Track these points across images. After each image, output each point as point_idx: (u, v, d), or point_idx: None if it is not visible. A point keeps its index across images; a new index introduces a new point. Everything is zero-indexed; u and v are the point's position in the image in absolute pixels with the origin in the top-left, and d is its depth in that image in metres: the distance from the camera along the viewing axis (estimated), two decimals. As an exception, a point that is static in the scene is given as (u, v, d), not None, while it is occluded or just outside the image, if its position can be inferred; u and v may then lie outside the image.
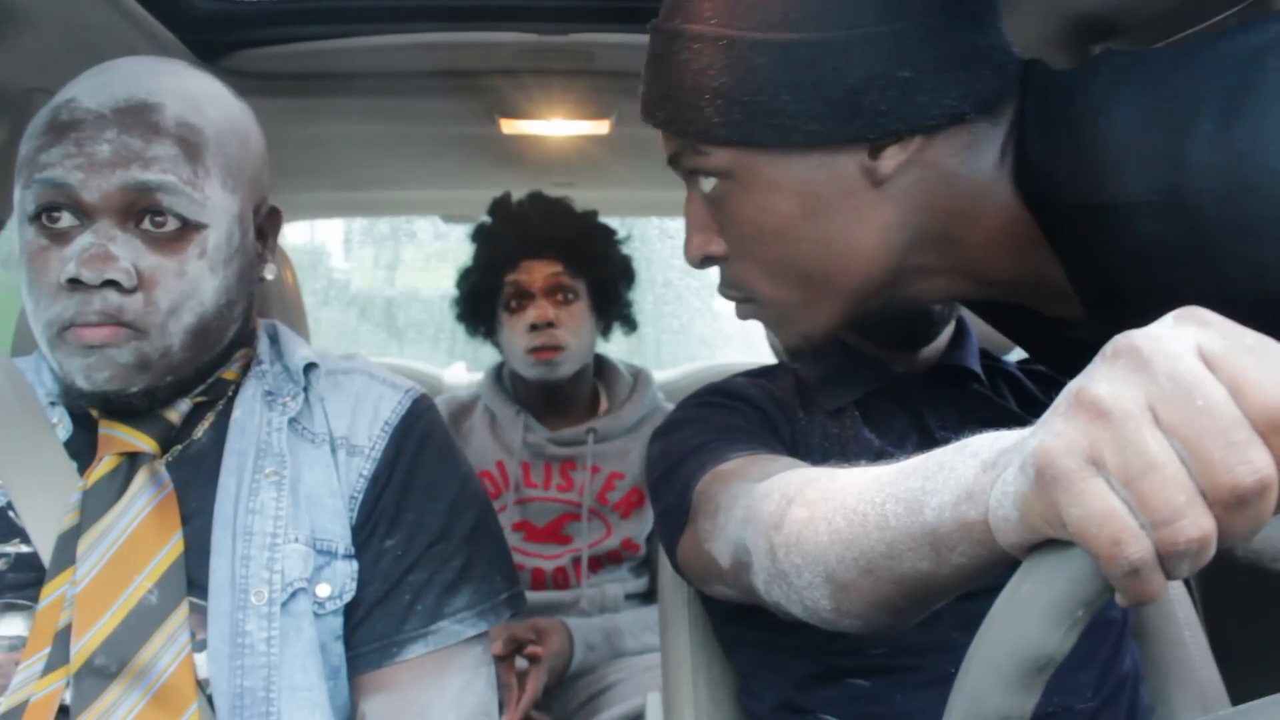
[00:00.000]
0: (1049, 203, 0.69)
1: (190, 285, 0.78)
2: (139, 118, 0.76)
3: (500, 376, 1.77)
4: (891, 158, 0.70)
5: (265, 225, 0.89)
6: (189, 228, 0.77)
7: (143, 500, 0.78)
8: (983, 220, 0.72)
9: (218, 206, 0.79)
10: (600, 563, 1.67)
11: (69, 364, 0.76)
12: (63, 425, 0.83)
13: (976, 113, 0.70)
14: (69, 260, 0.74)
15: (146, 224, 0.76)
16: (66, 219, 0.75)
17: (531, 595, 1.60)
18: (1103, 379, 0.38)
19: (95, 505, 0.77)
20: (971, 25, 0.70)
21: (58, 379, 0.81)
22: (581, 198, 1.76)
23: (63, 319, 0.75)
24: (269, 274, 0.89)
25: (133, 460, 0.80)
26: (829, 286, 0.75)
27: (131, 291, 0.75)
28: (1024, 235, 0.72)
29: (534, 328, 1.60)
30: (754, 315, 0.80)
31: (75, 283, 0.74)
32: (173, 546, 0.77)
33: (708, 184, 0.74)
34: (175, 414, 0.83)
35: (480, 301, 1.69)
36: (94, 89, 0.77)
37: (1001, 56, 0.71)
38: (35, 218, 0.76)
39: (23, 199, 0.76)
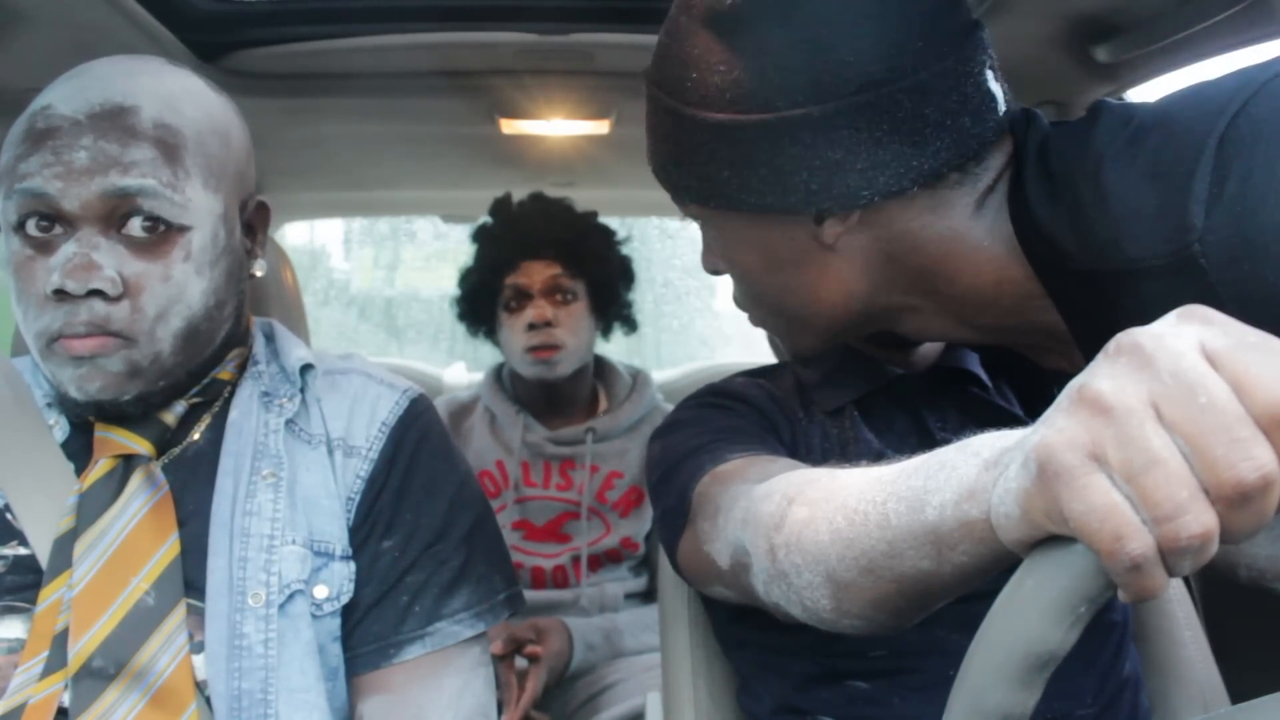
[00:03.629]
0: (1055, 267, 0.68)
1: (176, 289, 0.77)
2: (115, 122, 0.75)
3: (500, 376, 1.77)
4: (831, 229, 0.72)
5: (254, 221, 0.88)
6: (172, 231, 0.77)
7: (138, 502, 0.78)
8: (964, 273, 0.72)
9: (200, 207, 0.78)
10: (599, 561, 1.67)
11: (60, 374, 0.76)
12: (60, 426, 0.83)
13: (920, 186, 0.69)
14: (53, 270, 0.73)
15: (128, 229, 0.75)
16: (49, 228, 0.75)
17: (531, 594, 1.60)
18: (1105, 375, 0.38)
19: (91, 508, 0.77)
20: (918, 98, 0.67)
21: (53, 387, 0.80)
22: (581, 198, 1.76)
23: (51, 330, 0.74)
24: (259, 270, 0.88)
25: (128, 462, 0.80)
26: (802, 323, 0.81)
27: (117, 300, 0.75)
28: (1020, 289, 0.72)
29: (532, 327, 1.60)
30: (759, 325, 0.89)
31: (61, 293, 0.73)
32: (169, 548, 0.77)
33: (696, 221, 0.82)
34: (171, 416, 0.83)
35: (480, 302, 1.70)
36: (69, 94, 0.76)
37: (964, 121, 0.69)
38: (18, 227, 0.75)
39: (4, 209, 0.76)
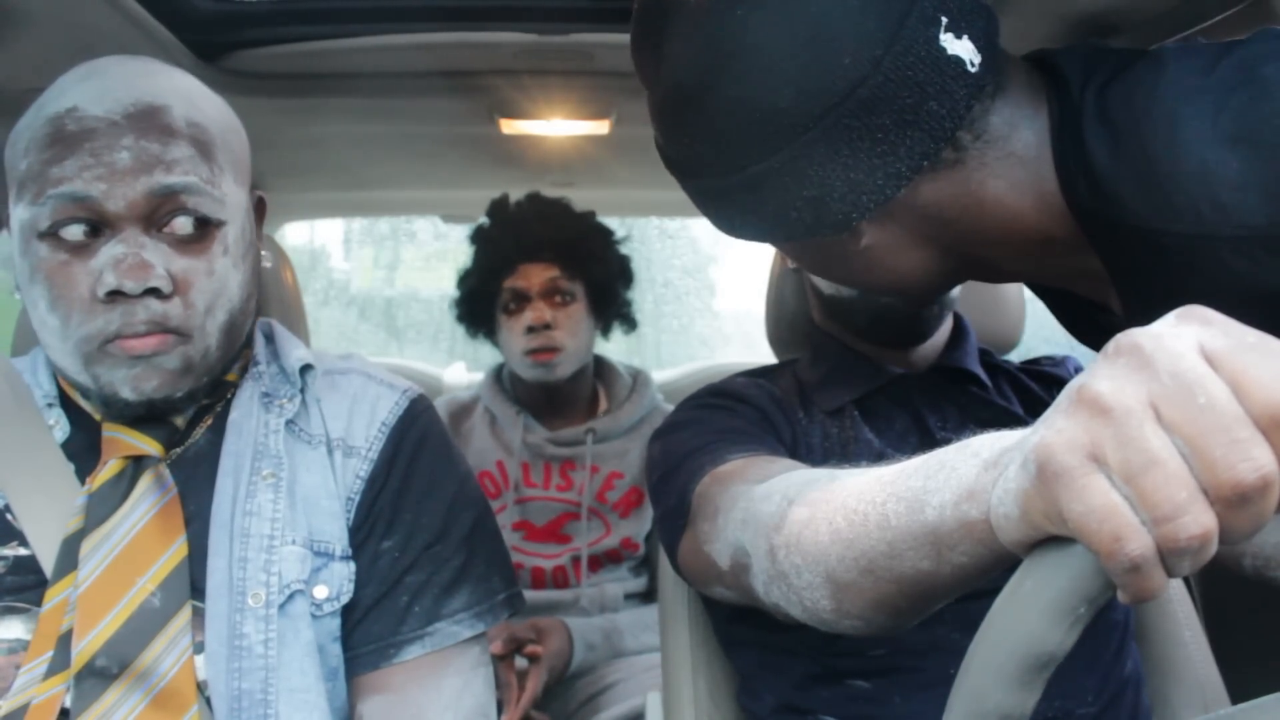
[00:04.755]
0: (1106, 219, 0.66)
1: (219, 283, 0.78)
2: (152, 121, 0.75)
3: (500, 377, 1.77)
4: (853, 239, 0.72)
5: (257, 214, 0.89)
6: (211, 226, 0.78)
7: (147, 503, 0.78)
8: (1012, 231, 0.71)
9: (233, 202, 0.80)
10: (600, 562, 1.67)
11: (112, 376, 0.75)
12: (59, 427, 0.83)
13: (909, 183, 0.67)
14: (101, 272, 0.73)
15: (171, 227, 0.76)
16: (86, 231, 0.74)
17: (531, 594, 1.60)
18: (1104, 376, 0.38)
19: (99, 508, 0.77)
20: (865, 115, 0.65)
21: (95, 391, 0.78)
22: (581, 198, 1.76)
23: (106, 332, 0.74)
24: (267, 262, 0.89)
25: (137, 464, 0.80)
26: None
27: (169, 297, 0.75)
28: (1065, 242, 0.70)
29: (531, 330, 1.60)
30: None
31: (115, 294, 0.73)
32: (177, 549, 0.77)
33: None
34: (181, 417, 0.83)
35: (479, 304, 1.69)
36: (96, 95, 0.75)
37: (929, 106, 0.65)
38: (49, 233, 0.74)
39: (34, 215, 0.74)
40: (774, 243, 0.80)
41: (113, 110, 0.74)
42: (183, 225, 0.76)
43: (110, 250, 0.74)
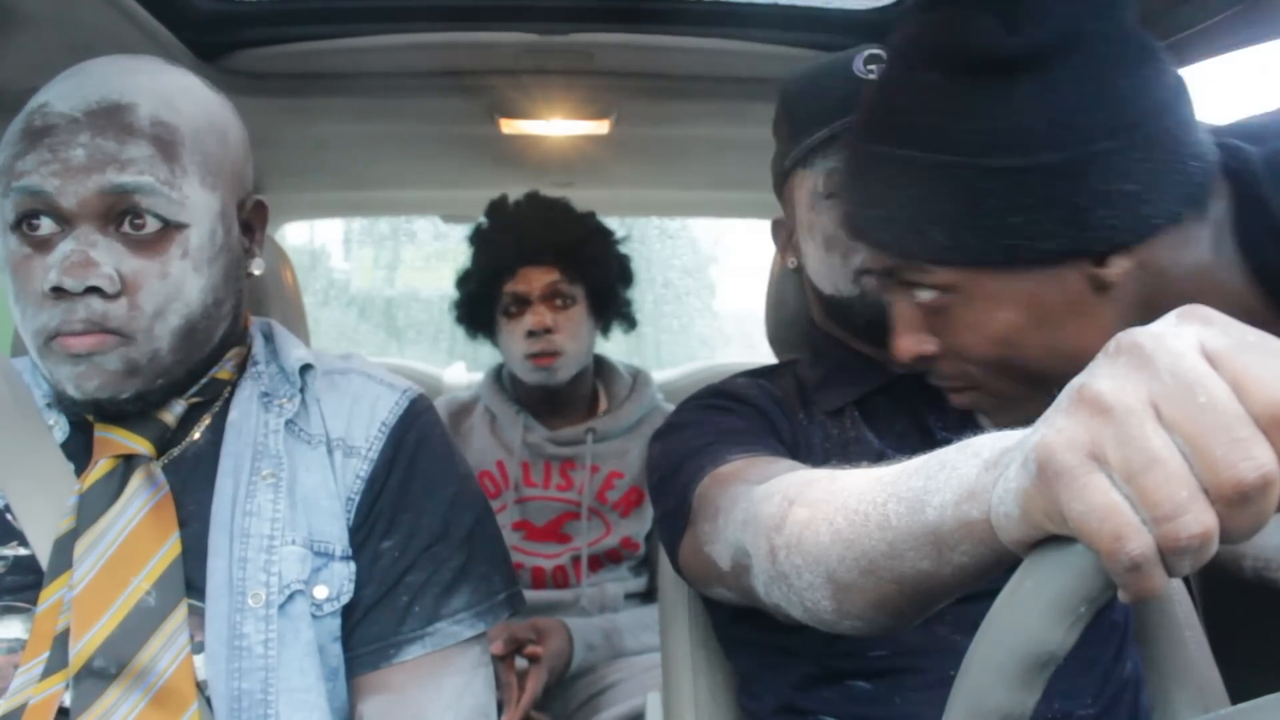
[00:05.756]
0: None
1: (174, 287, 0.77)
2: (112, 119, 0.75)
3: (500, 377, 1.77)
4: (1118, 266, 0.71)
5: (252, 220, 0.88)
6: (170, 228, 0.77)
7: (139, 502, 0.78)
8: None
9: (198, 205, 0.78)
10: (600, 562, 1.67)
11: (58, 372, 0.76)
12: (59, 427, 0.83)
13: (1191, 211, 0.70)
14: (51, 268, 0.73)
15: (126, 227, 0.76)
16: (47, 226, 0.75)
17: (531, 594, 1.60)
18: (1105, 375, 0.38)
19: (91, 508, 0.77)
20: (1179, 126, 0.69)
21: (52, 387, 0.80)
22: (581, 197, 1.76)
23: (49, 329, 0.74)
24: (257, 269, 0.88)
25: (129, 462, 0.80)
26: (1055, 382, 0.76)
27: (115, 297, 0.75)
28: (1257, 319, 0.71)
29: (532, 334, 1.60)
30: (972, 403, 0.81)
31: (58, 291, 0.73)
32: (170, 547, 0.77)
33: (926, 294, 0.75)
34: (170, 416, 0.83)
35: (478, 307, 1.69)
36: (66, 92, 0.76)
37: (1202, 149, 0.71)
38: (16, 226, 0.75)
39: (2, 207, 0.76)
40: (1018, 262, 0.71)
41: (75, 107, 0.75)
42: (138, 225, 0.76)
43: (63, 246, 0.74)
